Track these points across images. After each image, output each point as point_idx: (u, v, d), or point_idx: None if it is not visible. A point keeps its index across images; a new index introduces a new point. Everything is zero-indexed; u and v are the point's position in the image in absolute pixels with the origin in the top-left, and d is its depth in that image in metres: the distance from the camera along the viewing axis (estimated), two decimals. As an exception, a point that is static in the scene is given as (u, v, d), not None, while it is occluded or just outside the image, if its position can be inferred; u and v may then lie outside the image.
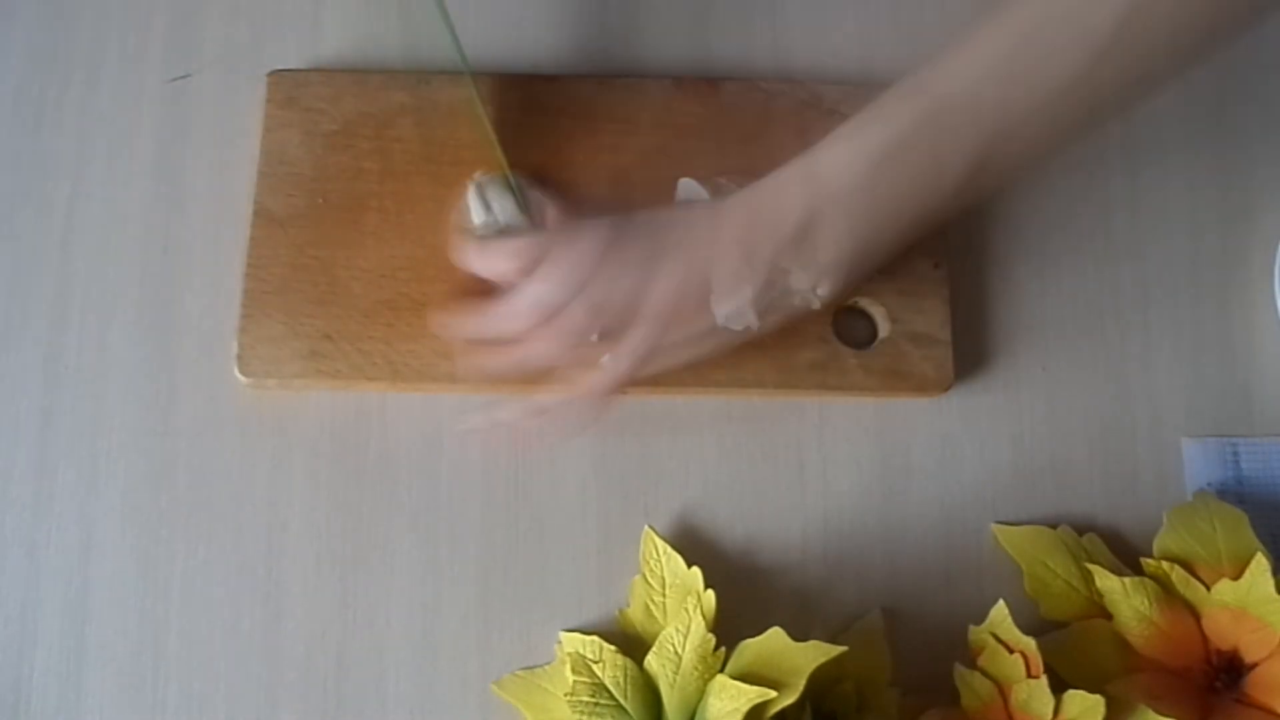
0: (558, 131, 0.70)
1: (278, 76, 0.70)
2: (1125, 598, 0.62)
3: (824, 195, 0.59)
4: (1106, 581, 0.62)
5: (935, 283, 0.68)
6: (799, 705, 0.58)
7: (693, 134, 0.69)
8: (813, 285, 0.62)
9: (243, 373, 0.66)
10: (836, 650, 0.59)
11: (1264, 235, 0.70)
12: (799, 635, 0.59)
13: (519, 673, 0.63)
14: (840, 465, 0.67)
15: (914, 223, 0.62)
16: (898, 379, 0.67)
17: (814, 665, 0.58)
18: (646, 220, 0.61)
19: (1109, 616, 0.62)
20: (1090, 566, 0.63)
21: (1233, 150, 0.72)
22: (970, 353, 0.69)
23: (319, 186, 0.68)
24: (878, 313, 0.68)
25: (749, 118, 0.70)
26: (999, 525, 0.66)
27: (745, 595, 0.64)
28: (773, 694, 0.57)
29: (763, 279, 0.60)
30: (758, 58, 0.73)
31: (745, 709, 0.57)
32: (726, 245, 0.60)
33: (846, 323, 0.67)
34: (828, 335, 0.67)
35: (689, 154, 0.68)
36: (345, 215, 0.68)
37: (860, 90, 0.62)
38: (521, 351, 0.60)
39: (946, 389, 0.67)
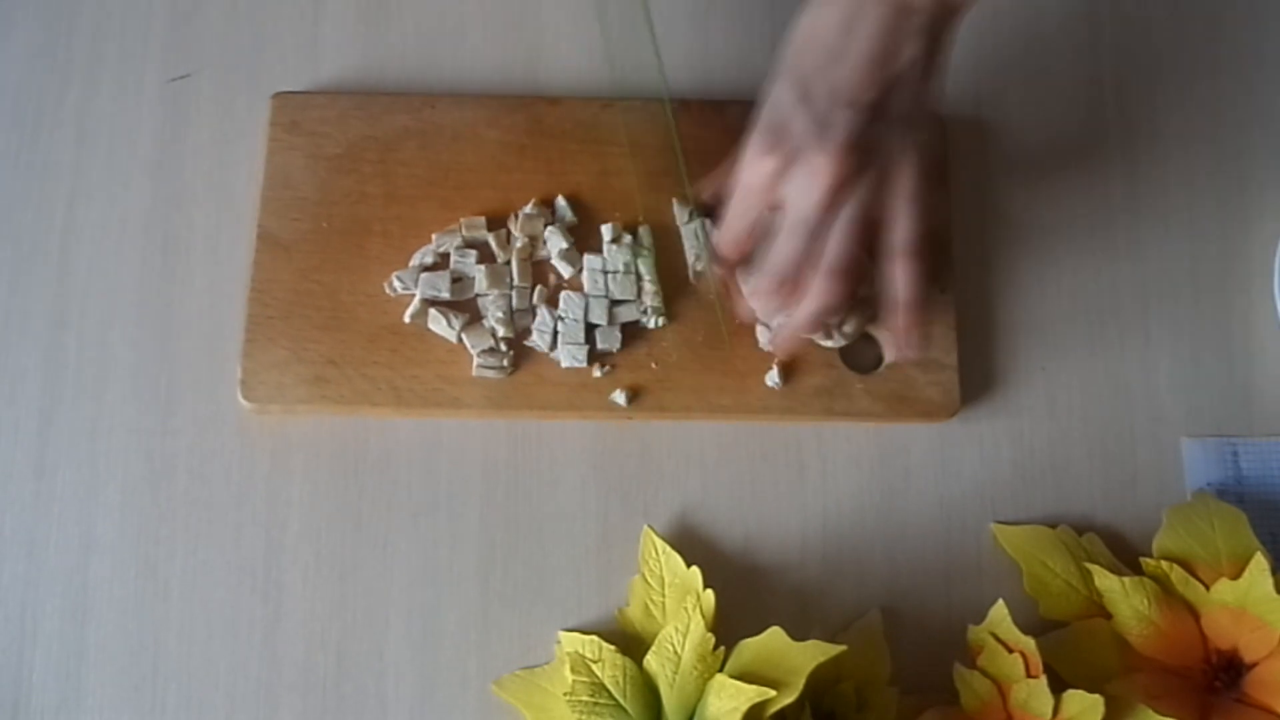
0: (562, 154, 0.69)
1: (281, 99, 0.70)
2: (1124, 597, 0.62)
3: None
4: (1106, 581, 0.62)
5: (942, 309, 0.67)
6: (798, 704, 0.58)
7: (697, 156, 0.68)
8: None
9: (247, 399, 0.65)
10: (836, 650, 0.59)
11: (1264, 235, 0.70)
12: (798, 635, 0.59)
13: (518, 672, 0.63)
14: (840, 465, 0.67)
15: None
16: (904, 404, 0.66)
17: (813, 665, 0.58)
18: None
19: (1108, 616, 0.62)
20: (1089, 566, 0.63)
21: (1232, 150, 0.72)
22: (970, 353, 0.69)
23: (323, 210, 0.68)
24: (883, 337, 0.67)
25: None
26: (998, 525, 0.66)
27: (745, 595, 0.64)
28: (772, 693, 0.57)
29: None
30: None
31: (744, 708, 0.57)
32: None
33: (852, 348, 0.67)
34: (834, 360, 0.67)
35: (693, 176, 0.68)
36: (349, 239, 0.68)
37: None
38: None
39: (953, 414, 0.67)
